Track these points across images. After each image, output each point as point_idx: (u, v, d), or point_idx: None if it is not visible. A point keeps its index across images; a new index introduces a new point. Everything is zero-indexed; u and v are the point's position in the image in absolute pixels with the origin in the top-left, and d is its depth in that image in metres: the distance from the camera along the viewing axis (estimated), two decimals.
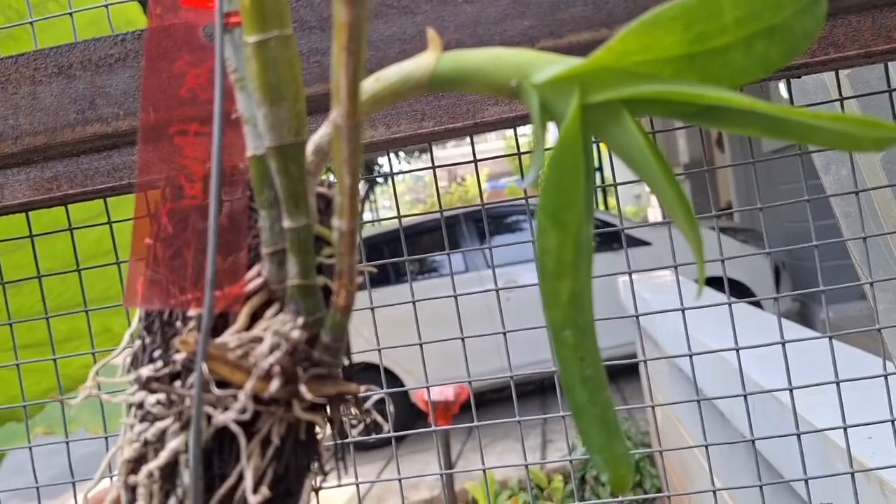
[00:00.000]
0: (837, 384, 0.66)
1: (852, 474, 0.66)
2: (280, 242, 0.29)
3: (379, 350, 0.68)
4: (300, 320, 0.27)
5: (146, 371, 0.28)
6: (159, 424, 0.28)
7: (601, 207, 5.80)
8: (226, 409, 0.27)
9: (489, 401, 4.93)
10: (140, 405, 0.28)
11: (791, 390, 0.69)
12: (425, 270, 4.92)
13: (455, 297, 0.69)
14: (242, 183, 0.29)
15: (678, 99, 0.26)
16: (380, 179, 8.37)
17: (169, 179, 0.28)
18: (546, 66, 0.28)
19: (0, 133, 0.41)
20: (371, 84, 0.30)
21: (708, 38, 0.26)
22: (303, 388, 0.26)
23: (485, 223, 0.67)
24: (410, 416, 4.61)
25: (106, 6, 0.53)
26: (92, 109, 0.41)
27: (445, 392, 2.88)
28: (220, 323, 0.29)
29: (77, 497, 0.61)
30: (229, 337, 0.27)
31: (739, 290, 4.54)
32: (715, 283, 3.23)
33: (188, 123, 0.29)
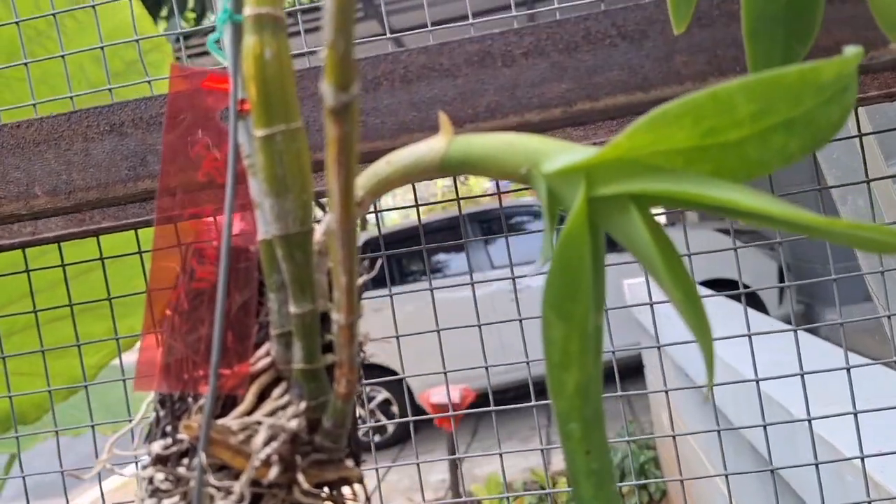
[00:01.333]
0: (855, 415, 0.65)
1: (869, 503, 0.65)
2: (287, 325, 0.29)
3: (403, 374, 0.69)
4: (302, 405, 0.28)
5: (156, 447, 0.29)
6: (166, 502, 0.28)
7: None
8: (228, 492, 0.27)
9: (494, 403, 4.88)
10: (150, 480, 0.29)
11: (810, 421, 0.67)
12: (430, 270, 4.88)
13: (479, 326, 0.68)
14: (254, 264, 0.30)
15: (686, 198, 0.25)
16: None
17: (183, 262, 0.29)
18: (555, 155, 0.27)
19: (54, 188, 0.43)
20: (383, 167, 0.30)
21: (720, 132, 0.25)
22: (300, 477, 0.26)
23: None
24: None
25: (137, 41, 0.55)
26: (143, 166, 0.43)
27: (451, 395, 2.85)
28: (229, 401, 0.30)
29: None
30: (232, 421, 0.27)
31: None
32: (719, 284, 3.09)
33: (203, 207, 0.29)
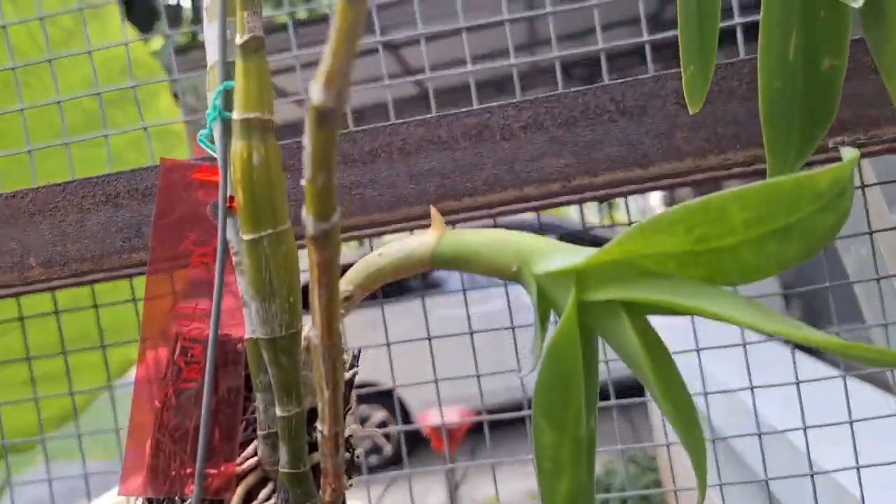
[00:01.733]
0: (858, 470, 0.65)
1: None
2: (273, 426, 0.29)
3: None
4: None
5: None
6: None
7: (606, 222, 5.63)
8: None
9: (492, 423, 4.87)
10: None
11: (812, 476, 0.67)
12: (428, 286, 4.88)
13: (477, 376, 0.69)
14: (241, 362, 0.30)
15: (679, 309, 0.25)
16: None
17: (170, 362, 0.29)
18: (547, 255, 0.27)
19: (48, 259, 0.43)
20: (375, 259, 0.30)
21: (713, 238, 0.25)
22: None
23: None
24: (414, 440, 4.59)
25: (133, 87, 0.55)
26: (138, 237, 0.43)
27: (450, 418, 2.85)
28: (216, 502, 0.29)
29: None
30: None
31: None
32: None
33: (192, 304, 0.29)
